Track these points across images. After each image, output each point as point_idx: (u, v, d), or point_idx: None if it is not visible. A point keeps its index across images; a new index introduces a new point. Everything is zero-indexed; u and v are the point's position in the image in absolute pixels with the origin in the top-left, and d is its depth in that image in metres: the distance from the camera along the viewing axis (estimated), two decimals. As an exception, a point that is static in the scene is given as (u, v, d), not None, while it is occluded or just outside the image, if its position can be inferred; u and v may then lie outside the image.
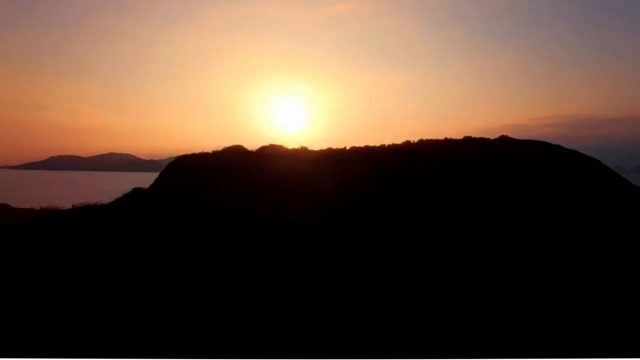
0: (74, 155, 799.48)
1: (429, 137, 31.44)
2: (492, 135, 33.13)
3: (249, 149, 24.40)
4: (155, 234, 21.07)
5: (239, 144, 23.85)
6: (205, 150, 24.75)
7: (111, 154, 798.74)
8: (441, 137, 29.76)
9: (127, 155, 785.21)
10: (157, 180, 25.50)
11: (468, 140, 33.65)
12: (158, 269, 17.45)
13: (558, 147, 38.26)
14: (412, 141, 29.55)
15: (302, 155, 23.47)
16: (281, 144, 24.35)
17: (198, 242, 19.30)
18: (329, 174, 20.18)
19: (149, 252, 18.92)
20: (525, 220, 21.99)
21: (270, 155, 22.87)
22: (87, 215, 22.23)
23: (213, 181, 21.20)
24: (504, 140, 36.51)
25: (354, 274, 16.74)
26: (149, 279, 16.59)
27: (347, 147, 25.98)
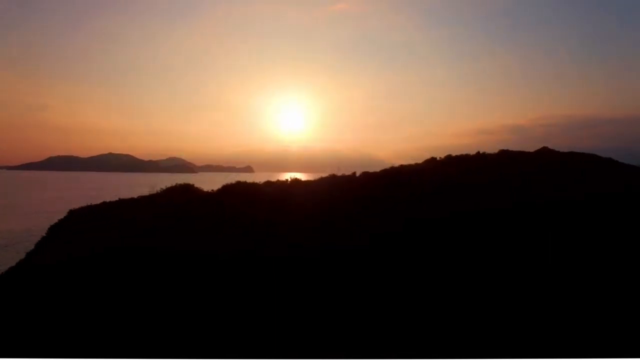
0: (72, 156, 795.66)
1: (455, 152, 24.94)
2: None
3: (204, 189, 17.05)
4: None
5: (189, 183, 16.58)
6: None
7: (110, 155, 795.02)
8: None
9: (126, 155, 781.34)
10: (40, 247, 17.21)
11: (504, 155, 27.08)
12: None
13: (609, 160, 32.12)
14: (437, 158, 22.96)
15: (284, 202, 14.53)
16: (253, 181, 16.38)
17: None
18: (327, 234, 13.11)
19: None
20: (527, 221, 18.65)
21: (233, 203, 14.87)
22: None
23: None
24: (545, 152, 30.08)
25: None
26: None
27: (358, 174, 18.61)
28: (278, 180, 17.18)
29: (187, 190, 16.25)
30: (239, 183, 16.10)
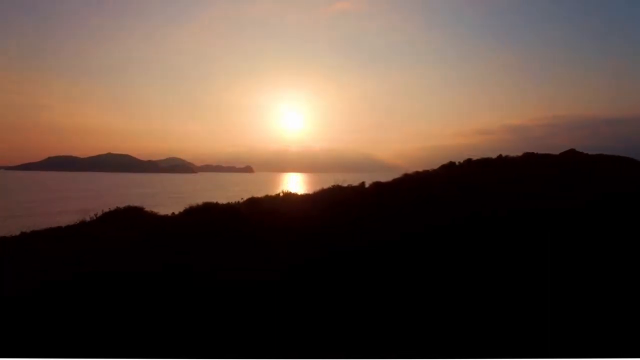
0: (71, 156, 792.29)
1: (475, 155, 21.83)
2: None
3: (159, 213, 13.51)
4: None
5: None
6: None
7: (109, 155, 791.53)
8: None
9: (126, 155, 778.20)
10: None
11: (529, 157, 24.08)
12: None
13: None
14: (457, 163, 19.91)
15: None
16: (228, 202, 13.58)
17: None
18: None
19: None
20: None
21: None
22: None
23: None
24: (573, 155, 27.08)
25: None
26: None
27: (367, 184, 15.41)
28: (267, 196, 13.70)
29: (134, 215, 12.59)
30: (207, 204, 12.54)
